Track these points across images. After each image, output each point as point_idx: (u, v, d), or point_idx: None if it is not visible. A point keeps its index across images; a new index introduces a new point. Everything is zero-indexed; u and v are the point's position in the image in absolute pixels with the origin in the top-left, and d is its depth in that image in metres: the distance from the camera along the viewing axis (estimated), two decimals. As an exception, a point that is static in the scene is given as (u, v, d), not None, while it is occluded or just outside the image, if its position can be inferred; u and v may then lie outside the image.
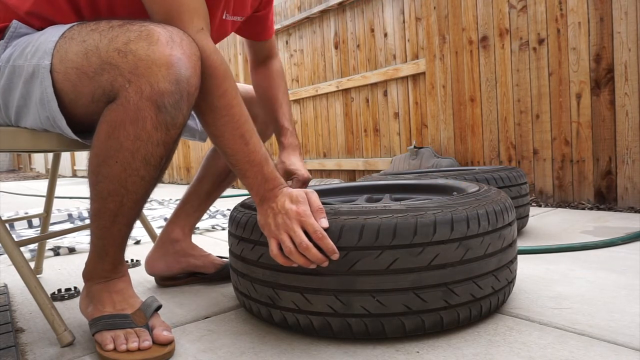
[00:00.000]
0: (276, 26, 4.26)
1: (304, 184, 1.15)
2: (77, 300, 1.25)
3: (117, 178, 0.84)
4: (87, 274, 0.96)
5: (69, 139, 0.94)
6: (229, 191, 4.42)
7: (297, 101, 4.24)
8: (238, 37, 3.91)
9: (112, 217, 0.87)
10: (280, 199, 0.87)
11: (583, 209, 2.32)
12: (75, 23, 0.89)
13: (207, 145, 4.79)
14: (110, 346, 0.86)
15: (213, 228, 2.34)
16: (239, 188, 4.81)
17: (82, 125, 0.91)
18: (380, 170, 3.44)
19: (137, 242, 2.03)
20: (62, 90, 0.85)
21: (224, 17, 1.10)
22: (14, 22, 0.93)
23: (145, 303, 0.94)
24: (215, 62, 0.87)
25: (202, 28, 0.88)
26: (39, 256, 1.52)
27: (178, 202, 1.37)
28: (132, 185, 0.85)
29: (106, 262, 0.94)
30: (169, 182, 6.22)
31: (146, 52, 0.78)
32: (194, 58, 0.82)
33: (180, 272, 1.33)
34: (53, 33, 0.88)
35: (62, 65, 0.84)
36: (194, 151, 5.74)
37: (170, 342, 0.89)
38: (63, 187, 6.25)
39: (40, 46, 0.87)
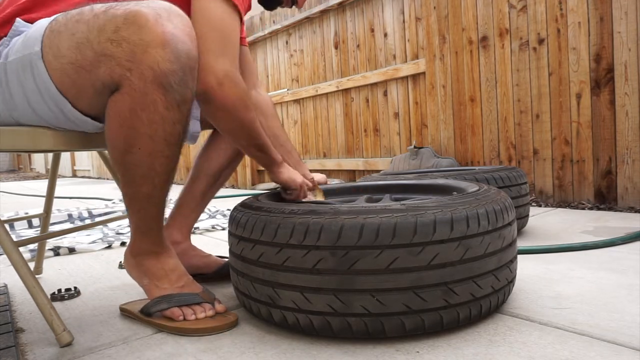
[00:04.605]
0: (276, 26, 4.27)
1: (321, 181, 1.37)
2: (77, 300, 1.25)
3: (145, 163, 0.87)
4: (134, 251, 1.04)
5: (69, 139, 0.94)
6: (229, 191, 4.43)
7: (297, 101, 4.25)
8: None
9: (147, 199, 0.93)
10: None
11: (583, 209, 2.32)
12: (58, 14, 0.88)
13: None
14: (181, 317, 0.97)
15: (213, 228, 2.34)
16: (239, 188, 4.81)
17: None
18: (380, 170, 3.44)
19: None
20: (62, 87, 0.85)
21: None
22: (17, 21, 0.93)
23: (206, 288, 1.07)
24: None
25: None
26: (39, 256, 1.52)
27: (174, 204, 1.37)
28: (160, 166, 0.89)
29: (152, 237, 1.01)
30: (169, 182, 6.21)
31: (139, 36, 0.78)
32: (187, 29, 0.82)
33: None
34: (41, 24, 0.87)
35: (57, 61, 0.83)
36: (194, 151, 5.74)
37: (226, 310, 1.03)
38: (63, 187, 6.25)
39: (30, 36, 0.87)
